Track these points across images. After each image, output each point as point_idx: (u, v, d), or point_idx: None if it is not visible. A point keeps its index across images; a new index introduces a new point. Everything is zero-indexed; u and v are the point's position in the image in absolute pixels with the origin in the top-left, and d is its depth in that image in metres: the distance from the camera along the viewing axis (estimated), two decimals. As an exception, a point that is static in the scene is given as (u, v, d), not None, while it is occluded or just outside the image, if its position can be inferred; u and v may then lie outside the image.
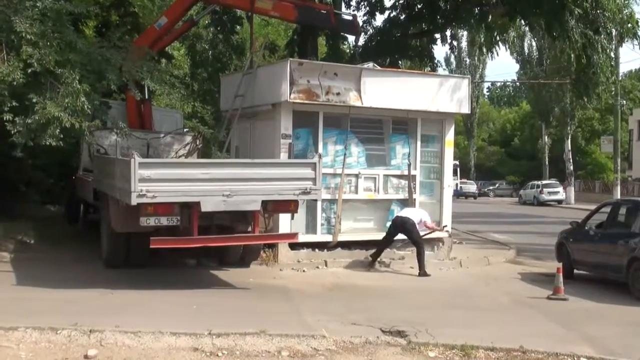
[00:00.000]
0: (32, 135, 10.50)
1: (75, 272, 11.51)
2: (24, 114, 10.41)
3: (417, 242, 13.07)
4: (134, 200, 9.46)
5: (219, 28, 21.17)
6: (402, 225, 13.02)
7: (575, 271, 13.04)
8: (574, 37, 17.03)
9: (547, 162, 55.72)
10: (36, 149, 11.90)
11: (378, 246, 13.27)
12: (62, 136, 10.50)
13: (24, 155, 11.62)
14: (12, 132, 10.42)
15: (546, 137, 55.80)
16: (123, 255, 11.72)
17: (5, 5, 10.63)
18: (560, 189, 46.85)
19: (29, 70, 10.33)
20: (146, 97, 15.20)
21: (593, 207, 14.33)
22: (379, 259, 13.28)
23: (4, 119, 10.38)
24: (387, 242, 13.32)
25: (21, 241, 13.93)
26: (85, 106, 10.43)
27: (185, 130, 16.53)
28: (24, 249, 13.54)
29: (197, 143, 14.94)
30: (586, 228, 13.16)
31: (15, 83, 10.19)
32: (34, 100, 10.30)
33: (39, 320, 7.62)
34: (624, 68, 60.65)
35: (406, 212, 13.26)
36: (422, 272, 12.82)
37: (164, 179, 9.73)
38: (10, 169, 16.06)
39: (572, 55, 17.69)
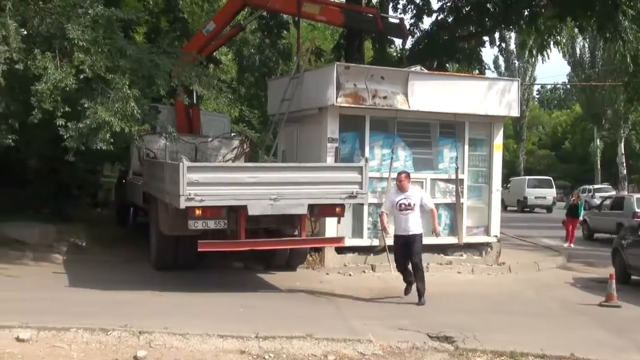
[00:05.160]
0: (84, 139, 10.68)
1: (125, 273, 11.71)
2: (76, 119, 10.61)
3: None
4: (183, 204, 9.57)
5: (265, 33, 21.34)
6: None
7: (633, 277, 12.72)
8: (627, 38, 16.63)
9: (599, 166, 54.47)
10: (88, 153, 12.13)
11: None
12: (112, 140, 10.67)
13: (76, 159, 11.83)
14: (65, 136, 10.63)
15: (598, 140, 54.57)
16: (172, 258, 11.84)
17: (59, 13, 10.87)
18: (613, 193, 45.75)
19: (81, 76, 10.52)
20: (194, 101, 15.38)
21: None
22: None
23: (57, 124, 10.61)
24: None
25: (74, 243, 14.23)
26: (135, 111, 10.58)
27: (232, 134, 16.65)
28: (76, 251, 13.82)
29: (245, 147, 15.03)
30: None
31: (67, 89, 10.40)
32: (86, 106, 10.47)
33: (90, 321, 7.75)
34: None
35: None
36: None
37: (211, 183, 9.80)
38: (64, 172, 16.43)
39: (628, 56, 17.24)
